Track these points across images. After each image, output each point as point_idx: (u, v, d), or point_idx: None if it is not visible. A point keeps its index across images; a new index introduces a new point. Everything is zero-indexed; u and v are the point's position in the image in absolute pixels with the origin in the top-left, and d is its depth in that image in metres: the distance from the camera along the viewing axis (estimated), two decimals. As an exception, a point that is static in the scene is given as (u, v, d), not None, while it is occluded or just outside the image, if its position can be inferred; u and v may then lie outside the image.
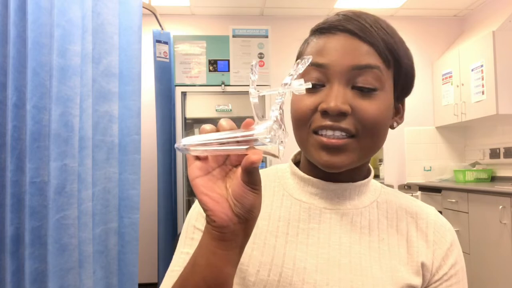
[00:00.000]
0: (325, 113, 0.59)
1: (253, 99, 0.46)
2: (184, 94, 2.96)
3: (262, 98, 2.76)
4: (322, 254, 0.62)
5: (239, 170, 0.45)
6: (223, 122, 0.46)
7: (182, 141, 0.46)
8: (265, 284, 0.60)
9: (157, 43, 2.91)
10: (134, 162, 1.88)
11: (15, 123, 1.62)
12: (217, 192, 0.46)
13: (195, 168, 0.46)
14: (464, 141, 4.16)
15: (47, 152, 1.60)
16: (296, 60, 0.68)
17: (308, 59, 0.46)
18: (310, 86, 0.46)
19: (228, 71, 2.95)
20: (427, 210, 0.69)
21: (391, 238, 0.65)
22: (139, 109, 1.90)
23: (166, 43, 2.96)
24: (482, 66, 3.35)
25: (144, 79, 2.12)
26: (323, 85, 0.61)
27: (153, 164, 3.04)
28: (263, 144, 0.44)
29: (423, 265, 0.63)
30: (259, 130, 0.44)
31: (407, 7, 3.97)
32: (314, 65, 0.61)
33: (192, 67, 2.94)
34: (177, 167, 2.93)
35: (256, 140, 0.44)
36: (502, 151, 3.62)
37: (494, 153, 3.71)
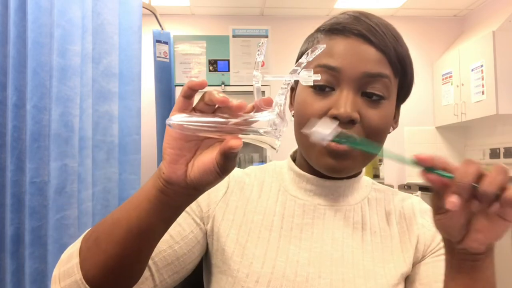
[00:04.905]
0: (334, 119, 0.59)
1: (256, 83, 0.43)
2: (184, 94, 2.96)
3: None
4: (315, 248, 0.63)
5: (218, 146, 0.43)
6: (234, 102, 0.42)
7: (174, 119, 0.42)
8: (258, 276, 0.61)
9: (157, 43, 2.91)
10: (134, 162, 1.88)
11: (15, 123, 1.62)
12: (184, 151, 0.44)
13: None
14: (464, 141, 4.16)
15: (47, 152, 1.60)
16: (299, 58, 0.68)
17: (321, 48, 0.44)
18: (319, 78, 0.44)
19: (228, 71, 2.95)
20: (411, 200, 0.71)
21: (383, 230, 0.67)
22: (139, 109, 1.90)
23: (166, 43, 2.96)
24: (482, 66, 3.35)
25: (144, 79, 2.11)
26: (332, 88, 0.61)
27: (153, 164, 3.04)
28: (261, 135, 0.42)
29: (417, 248, 0.66)
30: (261, 119, 0.42)
31: (407, 7, 3.97)
32: (324, 67, 0.60)
33: (192, 67, 2.94)
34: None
35: (255, 131, 0.42)
36: (502, 151, 3.61)
37: (494, 153, 3.71)
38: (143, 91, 2.00)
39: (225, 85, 2.93)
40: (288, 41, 3.95)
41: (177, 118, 0.42)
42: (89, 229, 0.54)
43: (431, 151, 4.14)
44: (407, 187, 3.93)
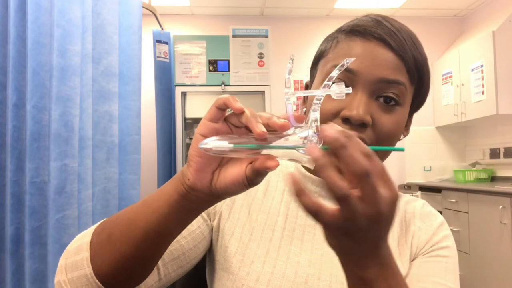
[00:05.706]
0: (346, 120, 0.59)
1: (288, 101, 0.42)
2: (184, 94, 2.96)
3: (262, 99, 2.71)
4: (316, 250, 0.64)
5: (247, 160, 0.43)
6: (259, 128, 0.40)
7: (210, 144, 0.41)
8: (258, 275, 0.61)
9: (157, 43, 2.91)
10: (134, 162, 1.88)
11: (15, 123, 1.62)
12: (211, 160, 0.44)
13: (209, 128, 0.43)
14: (464, 141, 4.16)
15: (47, 152, 1.60)
16: (317, 57, 0.68)
17: (349, 61, 0.43)
18: (351, 91, 0.44)
19: (228, 71, 2.95)
20: (414, 203, 0.71)
21: None
22: (139, 109, 1.90)
23: (166, 43, 2.96)
24: (482, 66, 3.35)
25: (144, 79, 2.11)
26: None
27: (153, 164, 3.04)
28: (297, 152, 0.41)
29: (411, 251, 0.66)
30: (297, 135, 0.41)
31: (407, 7, 3.97)
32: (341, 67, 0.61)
33: (192, 67, 2.94)
34: (177, 167, 2.93)
35: (291, 148, 0.41)
36: (502, 151, 3.62)
37: (494, 153, 3.71)
38: (143, 91, 2.00)
39: (225, 85, 2.93)
40: (288, 41, 3.96)
41: (211, 142, 0.41)
42: (99, 223, 0.54)
43: (431, 151, 4.14)
44: (407, 187, 3.93)
